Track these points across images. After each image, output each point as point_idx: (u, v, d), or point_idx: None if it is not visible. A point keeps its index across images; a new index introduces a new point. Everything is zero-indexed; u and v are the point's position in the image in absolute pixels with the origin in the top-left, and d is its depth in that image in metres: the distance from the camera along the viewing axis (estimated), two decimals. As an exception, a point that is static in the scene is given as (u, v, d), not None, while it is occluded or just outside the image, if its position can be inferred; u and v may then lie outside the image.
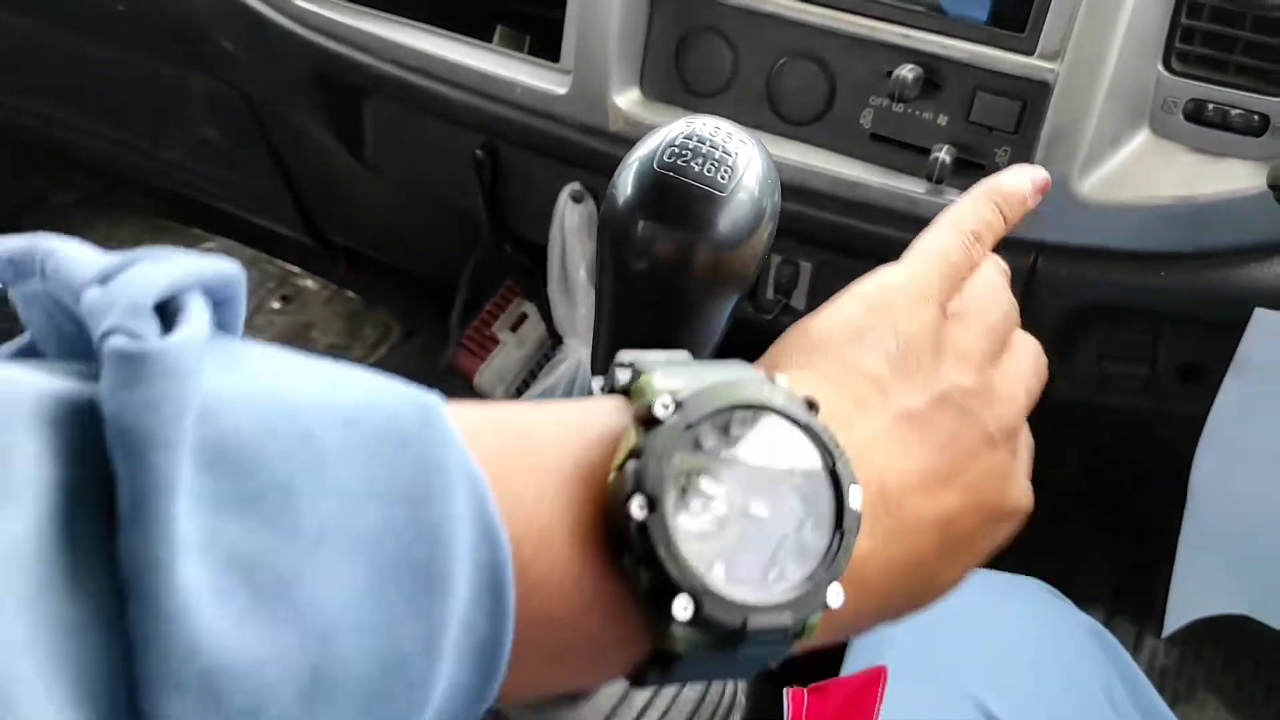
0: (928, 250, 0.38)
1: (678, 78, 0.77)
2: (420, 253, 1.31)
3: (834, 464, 0.28)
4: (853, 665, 0.65)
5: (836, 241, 0.76)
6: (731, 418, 0.27)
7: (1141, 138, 0.67)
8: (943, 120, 0.69)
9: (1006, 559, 0.87)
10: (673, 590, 0.25)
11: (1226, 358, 0.69)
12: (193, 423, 0.19)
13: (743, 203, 0.34)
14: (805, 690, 0.57)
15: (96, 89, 1.33)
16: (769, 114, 0.75)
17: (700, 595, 0.25)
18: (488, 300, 1.24)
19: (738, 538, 0.27)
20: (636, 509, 0.25)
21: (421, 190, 1.05)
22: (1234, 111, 0.64)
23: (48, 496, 0.18)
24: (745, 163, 0.35)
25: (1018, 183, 0.42)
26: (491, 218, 0.95)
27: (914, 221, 0.72)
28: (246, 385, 0.21)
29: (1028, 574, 0.68)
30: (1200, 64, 0.65)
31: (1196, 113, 0.65)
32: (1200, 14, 0.64)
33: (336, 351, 1.46)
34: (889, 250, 0.76)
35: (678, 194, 0.34)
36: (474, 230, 0.99)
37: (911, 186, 0.71)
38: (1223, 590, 0.79)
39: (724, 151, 0.35)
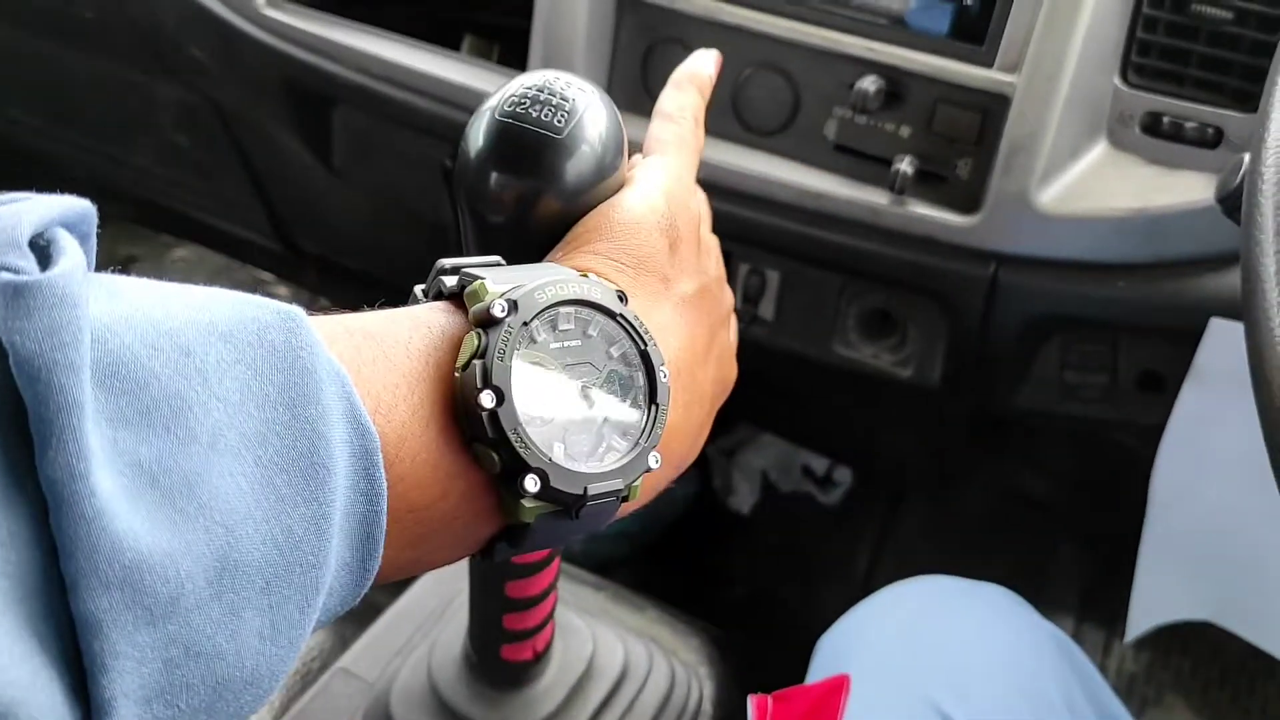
0: (679, 142, 0.43)
1: (644, 88, 0.77)
2: (392, 260, 1.30)
3: (645, 349, 0.32)
4: (816, 673, 0.66)
5: (802, 251, 0.77)
6: (559, 314, 0.31)
7: (1099, 149, 0.68)
8: (905, 131, 0.70)
9: (979, 564, 0.87)
10: (523, 469, 0.28)
11: (1185, 366, 0.70)
12: (89, 345, 0.21)
13: (583, 148, 0.35)
14: (770, 697, 0.57)
15: (65, 95, 1.32)
16: (734, 124, 0.75)
17: (547, 470, 0.29)
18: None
19: (571, 419, 0.30)
20: (487, 401, 0.28)
21: (391, 199, 1.05)
22: (1189, 124, 0.65)
23: None
24: (583, 107, 0.35)
25: (706, 66, 0.49)
26: (460, 228, 0.94)
27: (877, 232, 0.72)
28: (126, 310, 0.23)
29: (999, 579, 0.69)
30: (1156, 77, 0.66)
31: (1152, 125, 0.66)
32: (1156, 28, 0.65)
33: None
34: (854, 260, 0.77)
35: (517, 139, 0.35)
36: (444, 237, 0.99)
37: (874, 197, 0.71)
38: (1185, 597, 0.80)
39: (561, 98, 0.35)
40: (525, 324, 0.29)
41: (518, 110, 0.35)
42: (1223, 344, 0.66)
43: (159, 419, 0.22)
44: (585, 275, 0.33)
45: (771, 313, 0.84)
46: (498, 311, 0.29)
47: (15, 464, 0.20)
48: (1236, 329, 0.65)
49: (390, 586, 0.76)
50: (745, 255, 0.82)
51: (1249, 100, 0.64)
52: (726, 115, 0.75)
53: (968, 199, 0.69)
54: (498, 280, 0.31)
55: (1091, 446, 0.98)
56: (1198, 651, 1.14)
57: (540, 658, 0.62)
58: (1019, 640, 0.64)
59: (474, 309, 0.30)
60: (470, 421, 0.28)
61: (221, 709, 0.23)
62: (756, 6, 0.72)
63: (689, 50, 0.75)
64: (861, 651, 0.63)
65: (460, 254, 0.35)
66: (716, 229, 0.79)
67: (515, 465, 0.28)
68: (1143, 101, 0.66)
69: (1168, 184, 0.66)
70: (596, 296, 0.32)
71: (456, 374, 0.28)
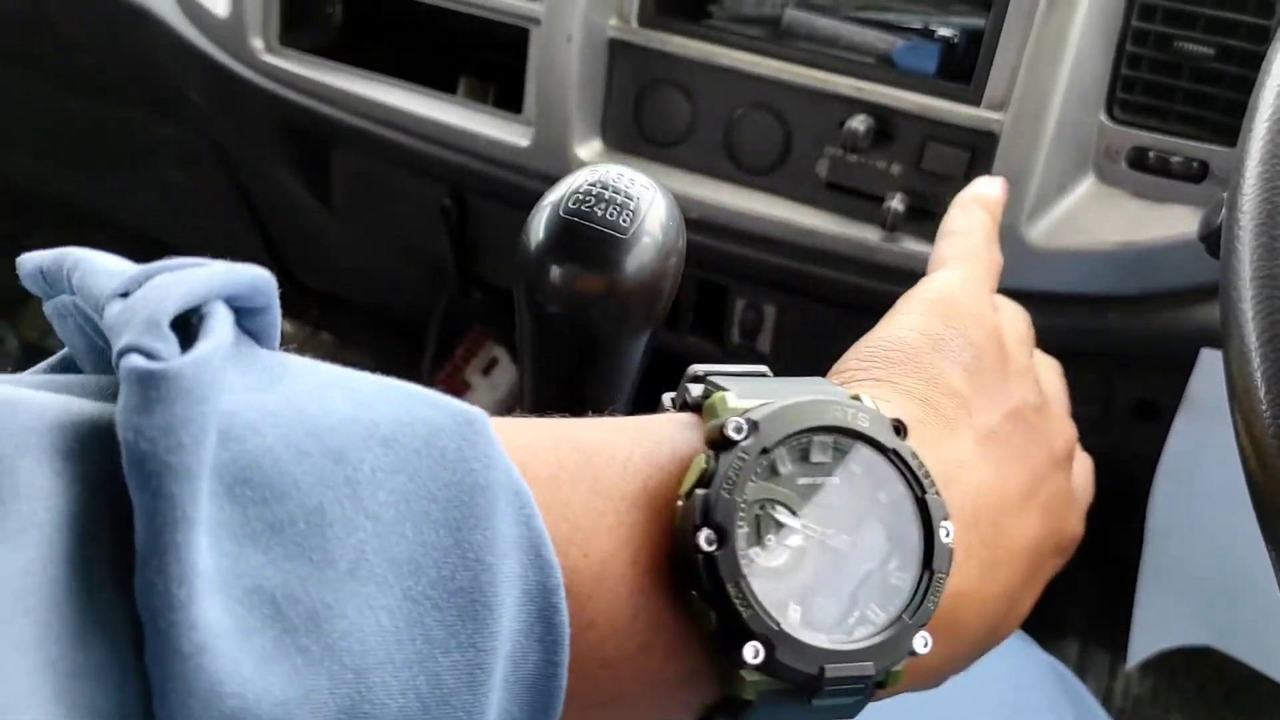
0: (967, 255, 0.37)
1: (637, 129, 0.79)
2: (392, 297, 1.32)
3: (924, 495, 0.26)
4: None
5: (797, 287, 0.78)
6: (811, 442, 0.25)
7: (1086, 185, 0.69)
8: (895, 169, 0.71)
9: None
10: (743, 633, 0.23)
11: (1178, 395, 0.71)
12: (216, 448, 0.18)
13: (646, 244, 0.36)
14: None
15: (66, 136, 1.34)
16: (727, 163, 0.76)
17: (773, 639, 0.23)
18: (459, 345, 1.25)
19: (815, 575, 0.25)
20: (704, 542, 0.23)
21: (390, 238, 1.06)
22: (1174, 159, 0.66)
23: (58, 532, 0.17)
24: (647, 205, 0.36)
25: (994, 189, 0.44)
26: (459, 265, 0.96)
27: (870, 268, 0.73)
28: (275, 404, 0.20)
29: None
30: (1141, 113, 0.67)
31: (1138, 160, 0.67)
32: (1140, 65, 0.66)
33: (311, 393, 1.46)
34: (849, 295, 0.78)
35: (583, 238, 0.35)
36: (443, 276, 1.00)
37: (867, 234, 0.72)
38: (1185, 623, 0.80)
39: (626, 196, 0.36)
40: (766, 450, 0.25)
41: (581, 208, 0.35)
42: (1214, 374, 0.67)
43: (292, 537, 0.18)
44: (857, 398, 0.27)
45: (769, 346, 0.85)
46: (733, 432, 0.24)
47: (114, 583, 0.17)
48: (1227, 359, 0.65)
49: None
50: (741, 291, 0.83)
51: (1232, 134, 0.65)
52: (719, 155, 0.76)
53: (958, 234, 0.70)
54: (744, 394, 0.26)
55: (1097, 471, 0.98)
56: (1203, 674, 1.14)
57: None
58: (1016, 672, 0.65)
59: (708, 425, 0.25)
60: (685, 564, 0.23)
61: None
62: (747, 48, 0.73)
63: (682, 92, 0.77)
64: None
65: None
66: (712, 266, 0.80)
67: (734, 626, 0.23)
68: (1128, 137, 0.67)
69: (1155, 218, 0.67)
70: (864, 425, 0.26)
71: (679, 503, 0.24)
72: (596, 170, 0.37)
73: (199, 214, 1.35)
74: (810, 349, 0.82)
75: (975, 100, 0.68)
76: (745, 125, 0.75)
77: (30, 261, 0.22)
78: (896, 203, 0.70)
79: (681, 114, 0.77)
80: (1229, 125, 0.65)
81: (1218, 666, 1.10)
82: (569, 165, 0.79)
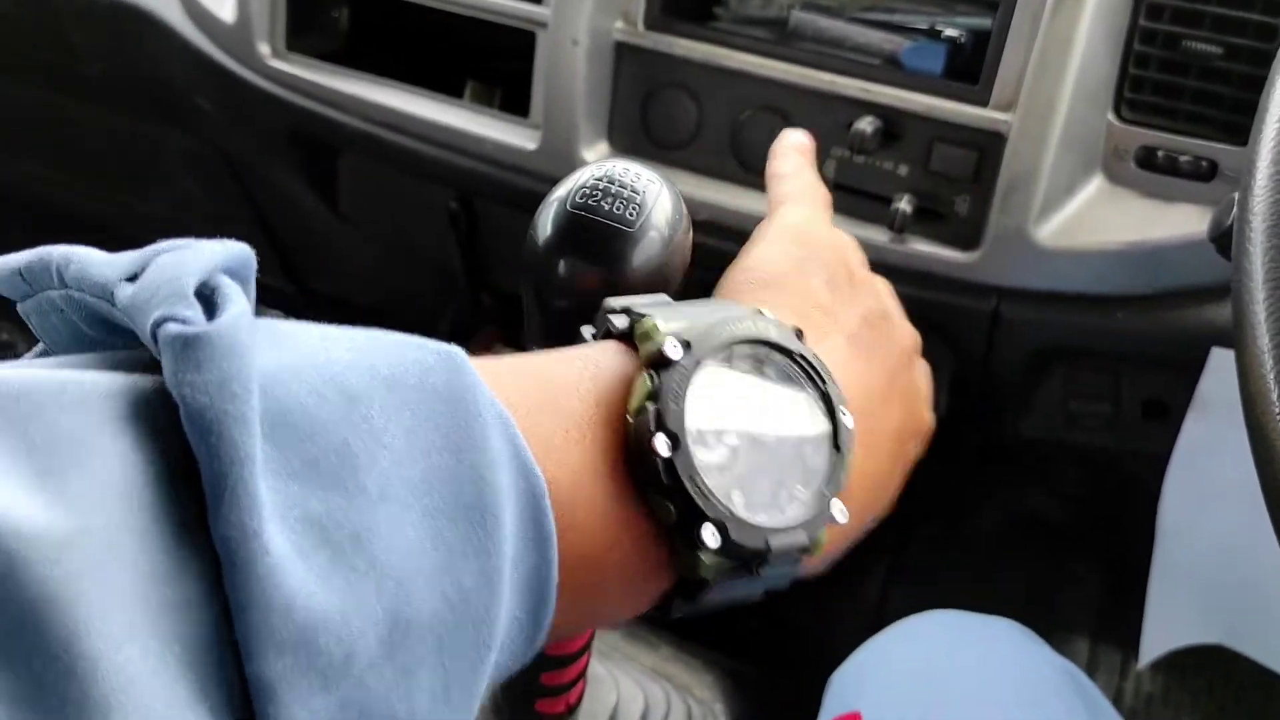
0: (804, 191, 0.43)
1: (644, 132, 0.79)
2: (402, 302, 1.32)
3: (825, 388, 0.30)
4: (829, 710, 0.66)
5: (804, 288, 0.78)
6: (733, 353, 0.29)
7: (1095, 184, 0.69)
8: (903, 170, 0.71)
9: (992, 588, 0.87)
10: (699, 520, 0.27)
11: (1188, 394, 0.71)
12: (260, 398, 0.20)
13: (653, 238, 0.36)
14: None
15: (75, 146, 1.34)
16: (734, 165, 0.76)
17: (726, 523, 0.27)
18: (469, 348, 1.25)
19: (749, 465, 0.28)
20: (662, 447, 0.26)
21: (398, 242, 1.06)
22: (1183, 158, 0.66)
23: (132, 488, 0.19)
24: (653, 199, 0.37)
25: (804, 138, 0.50)
26: (468, 270, 0.96)
27: (879, 269, 0.73)
28: (291, 358, 0.22)
29: (1013, 603, 0.69)
30: (1150, 112, 0.67)
31: (1147, 159, 0.67)
32: (1148, 64, 0.66)
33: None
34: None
35: (591, 232, 0.36)
36: (452, 280, 1.00)
37: (875, 235, 0.72)
38: (1196, 621, 0.80)
39: (632, 190, 0.37)
40: (700, 364, 0.28)
41: (589, 203, 0.36)
42: (1225, 373, 0.67)
43: (327, 470, 0.21)
44: (759, 312, 0.31)
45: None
46: (671, 352, 0.28)
47: (187, 524, 0.19)
48: (1237, 358, 0.65)
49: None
50: (749, 292, 0.83)
51: (1241, 133, 0.65)
52: (726, 156, 0.77)
53: (967, 235, 0.70)
54: (668, 318, 0.29)
55: (1100, 470, 0.98)
56: (1214, 672, 1.14)
57: (573, 710, 0.62)
58: (1030, 675, 0.65)
59: (645, 349, 0.28)
60: (644, 469, 0.27)
61: None
62: (754, 50, 0.73)
63: (688, 94, 0.77)
64: (873, 688, 0.64)
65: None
66: (722, 268, 0.80)
67: (692, 516, 0.27)
68: (1137, 136, 0.67)
69: (1164, 217, 0.67)
70: (773, 334, 0.30)
71: (629, 418, 0.27)
72: (603, 165, 0.37)
73: (208, 223, 1.35)
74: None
75: (983, 101, 0.68)
76: (752, 127, 0.75)
77: (8, 264, 0.24)
78: (904, 204, 0.70)
79: (688, 116, 0.77)
80: (1238, 124, 0.65)
81: (1229, 665, 1.10)
82: (576, 168, 0.79)
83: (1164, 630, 0.80)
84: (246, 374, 0.20)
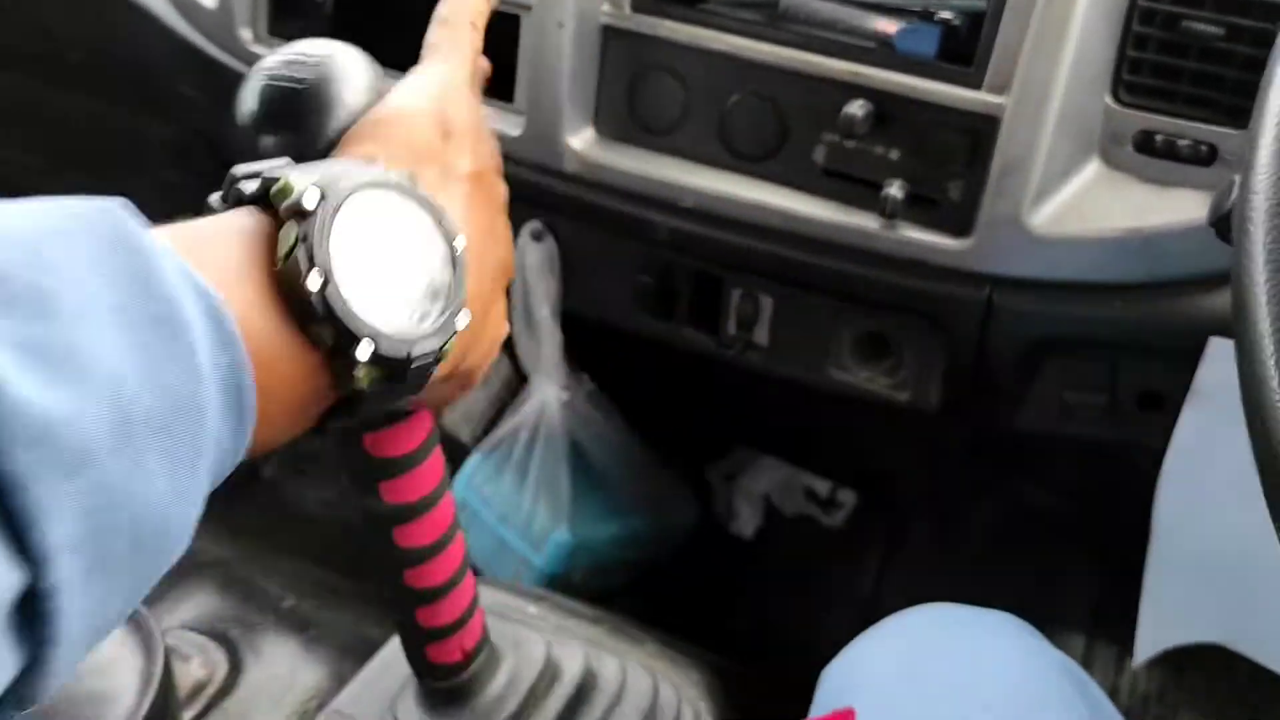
0: (451, 45, 0.47)
1: (631, 117, 0.77)
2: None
3: (440, 221, 0.36)
4: (821, 706, 0.64)
5: (794, 277, 0.76)
6: (363, 196, 0.34)
7: (1092, 169, 0.67)
8: (894, 155, 0.69)
9: (987, 582, 0.85)
10: (353, 339, 0.32)
11: (1185, 385, 0.69)
12: None
13: (332, 99, 0.40)
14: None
15: (58, 134, 1.32)
16: (722, 151, 0.75)
17: (375, 337, 0.32)
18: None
19: (390, 290, 0.34)
20: (314, 283, 0.31)
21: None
22: (1182, 142, 0.64)
23: None
24: (330, 63, 0.41)
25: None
26: (453, 257, 0.94)
27: (869, 257, 0.72)
28: None
29: (1008, 597, 0.67)
30: (1148, 95, 0.65)
31: (1145, 143, 0.65)
32: (1146, 46, 0.65)
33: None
34: (848, 284, 0.76)
35: (272, 94, 0.40)
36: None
37: (865, 222, 0.70)
38: (1192, 620, 0.78)
39: (307, 55, 0.41)
40: (337, 209, 0.32)
41: (275, 70, 0.40)
42: (1223, 363, 0.65)
43: (26, 305, 0.24)
44: (372, 162, 0.37)
45: (766, 338, 0.83)
46: (309, 203, 0.32)
47: None
48: (1236, 348, 0.64)
49: (387, 623, 0.75)
50: (738, 281, 0.81)
51: (1242, 116, 0.63)
52: (714, 142, 0.75)
53: (960, 221, 0.69)
54: (301, 174, 0.33)
55: (1096, 462, 0.97)
56: (1212, 668, 1.13)
57: (472, 657, 0.61)
58: (1027, 669, 0.63)
59: (285, 204, 0.32)
60: (301, 305, 0.31)
61: (142, 563, 0.26)
62: (742, 32, 0.72)
63: (676, 78, 0.75)
64: (866, 683, 0.62)
65: None
66: (708, 255, 0.78)
67: (346, 337, 0.32)
68: (1135, 120, 0.65)
69: (1162, 202, 0.65)
70: (392, 179, 0.35)
71: (278, 266, 0.31)
72: (298, 43, 0.42)
73: (193, 212, 1.33)
74: (808, 339, 0.81)
75: (976, 84, 0.66)
76: (740, 112, 0.73)
77: None
78: (895, 189, 0.68)
79: (675, 101, 0.75)
80: (1239, 107, 0.63)
81: (1227, 663, 1.09)
82: (562, 154, 0.77)
83: (1160, 628, 0.79)
84: None
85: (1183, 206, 0.65)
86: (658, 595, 1.17)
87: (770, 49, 0.71)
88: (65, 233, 0.26)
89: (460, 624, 0.59)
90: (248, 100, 0.40)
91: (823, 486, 1.24)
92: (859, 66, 0.69)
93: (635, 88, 0.76)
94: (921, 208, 0.69)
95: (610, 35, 0.75)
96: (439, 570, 0.55)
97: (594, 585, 1.10)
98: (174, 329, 0.27)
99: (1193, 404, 0.68)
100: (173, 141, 1.21)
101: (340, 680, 0.78)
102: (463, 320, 0.36)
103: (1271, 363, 0.39)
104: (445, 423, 1.22)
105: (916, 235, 0.69)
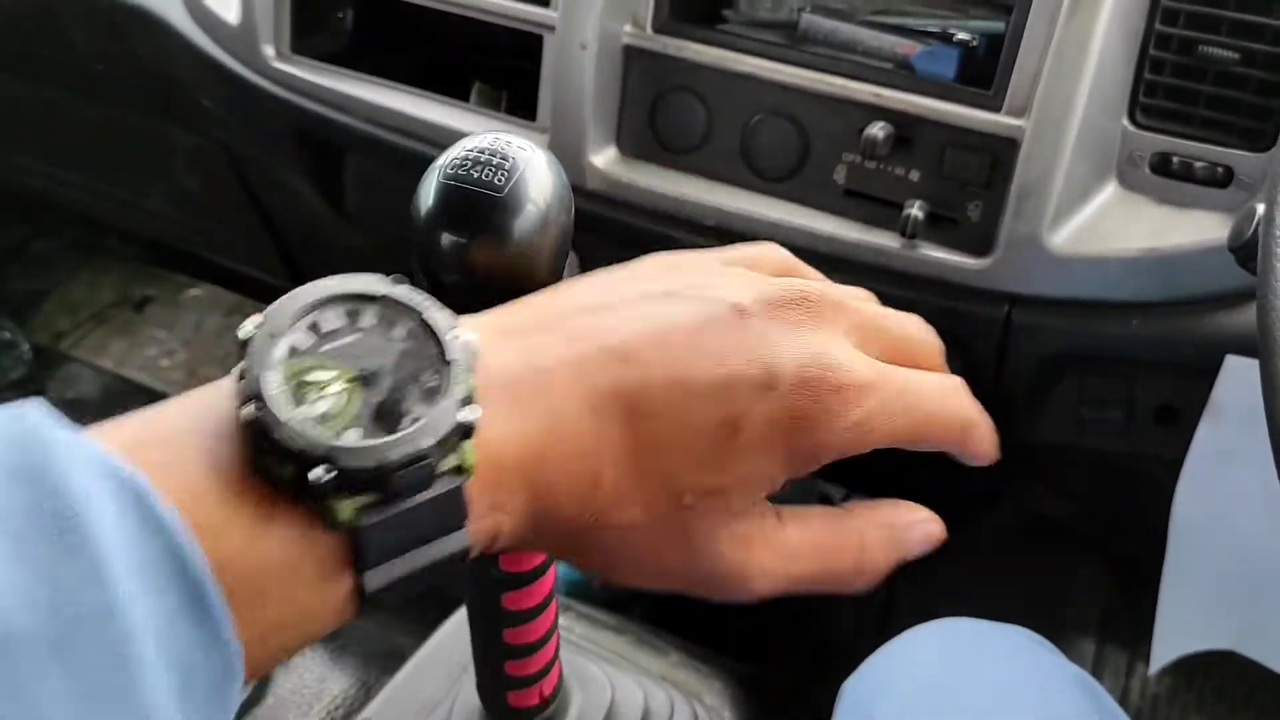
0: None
1: (653, 136, 0.78)
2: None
3: (422, 316, 0.29)
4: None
5: (814, 293, 0.77)
6: (320, 317, 0.29)
7: (1109, 190, 0.68)
8: (915, 176, 0.70)
9: (999, 589, 0.86)
10: (308, 463, 0.26)
11: (1202, 401, 0.70)
12: None
13: (525, 207, 0.37)
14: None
15: (77, 142, 1.33)
16: (744, 170, 0.76)
17: (333, 455, 0.26)
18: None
19: (362, 406, 0.27)
20: (248, 414, 0.26)
21: (404, 243, 1.06)
22: (1198, 164, 0.65)
23: None
24: (523, 165, 0.37)
25: None
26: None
27: (890, 275, 0.73)
28: None
29: (1020, 603, 0.69)
30: (1164, 117, 0.66)
31: (1162, 166, 0.67)
32: (1163, 69, 0.66)
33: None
34: (866, 302, 0.77)
35: (462, 199, 0.37)
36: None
37: (886, 241, 0.72)
38: (1207, 627, 0.80)
39: (503, 157, 0.37)
40: (273, 336, 0.28)
41: (459, 171, 0.37)
42: (1239, 381, 0.67)
43: None
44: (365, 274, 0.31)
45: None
46: (245, 333, 0.27)
47: None
48: (1253, 366, 0.65)
49: (415, 630, 0.76)
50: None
51: (1259, 139, 0.64)
52: (736, 162, 0.76)
53: (980, 241, 0.70)
54: (262, 312, 0.29)
55: (1110, 474, 0.98)
56: (1221, 673, 1.14)
57: (549, 702, 0.62)
58: (1045, 685, 0.64)
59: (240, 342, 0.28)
60: (246, 444, 0.26)
61: None
62: (764, 55, 0.73)
63: (698, 98, 0.76)
64: (886, 699, 0.63)
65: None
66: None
67: (301, 461, 0.26)
68: (1152, 142, 0.67)
69: (1179, 224, 0.66)
70: (357, 287, 0.29)
71: (238, 412, 0.26)
72: (480, 136, 0.38)
73: (211, 220, 1.35)
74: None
75: (996, 106, 0.67)
76: (762, 132, 0.74)
77: None
78: (916, 210, 0.69)
79: (698, 121, 0.76)
80: (1255, 130, 0.64)
81: (1238, 667, 1.10)
82: (584, 173, 0.78)
83: (1175, 635, 0.80)
84: None
85: (1199, 227, 0.66)
86: (677, 599, 1.18)
87: (791, 70, 0.72)
88: None
89: (544, 672, 0.59)
90: (429, 200, 0.37)
91: (836, 492, 1.25)
92: (879, 89, 0.70)
93: (657, 107, 0.77)
94: (942, 227, 0.71)
95: (633, 56, 0.76)
96: (538, 627, 0.55)
97: (611, 590, 1.11)
98: (67, 525, 0.22)
99: (1209, 420, 0.70)
100: (190, 149, 1.22)
101: (368, 689, 0.79)
102: (470, 412, 0.28)
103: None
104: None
105: (937, 254, 0.70)
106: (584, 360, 0.31)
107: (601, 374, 0.31)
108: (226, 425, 0.26)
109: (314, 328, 0.28)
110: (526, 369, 0.30)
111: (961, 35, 0.71)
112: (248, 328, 0.28)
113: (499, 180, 0.36)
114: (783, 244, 0.75)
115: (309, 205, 1.07)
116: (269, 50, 0.90)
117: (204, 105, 1.02)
